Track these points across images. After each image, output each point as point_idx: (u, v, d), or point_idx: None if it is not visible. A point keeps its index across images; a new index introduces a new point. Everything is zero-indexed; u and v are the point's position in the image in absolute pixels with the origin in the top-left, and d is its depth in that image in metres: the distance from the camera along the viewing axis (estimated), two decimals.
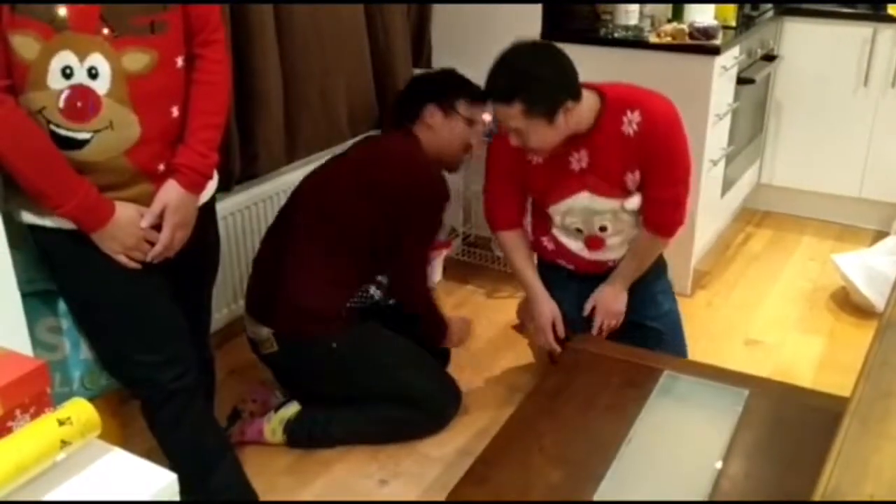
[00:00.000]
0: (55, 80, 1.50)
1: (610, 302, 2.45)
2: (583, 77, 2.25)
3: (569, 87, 2.17)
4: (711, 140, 3.13)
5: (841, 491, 0.93)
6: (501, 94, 2.16)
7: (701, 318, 3.13)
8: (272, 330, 2.33)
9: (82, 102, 1.51)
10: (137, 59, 1.54)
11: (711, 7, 3.15)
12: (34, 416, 1.09)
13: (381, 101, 3.24)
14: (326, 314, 2.31)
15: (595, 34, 3.15)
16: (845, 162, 3.78)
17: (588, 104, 2.23)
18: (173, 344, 1.78)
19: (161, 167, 1.65)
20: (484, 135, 2.59)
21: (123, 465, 1.07)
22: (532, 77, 2.14)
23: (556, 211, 2.41)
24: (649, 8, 3.15)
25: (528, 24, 3.19)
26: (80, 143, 1.54)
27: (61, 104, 1.51)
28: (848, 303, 3.20)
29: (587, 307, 2.48)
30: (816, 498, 0.91)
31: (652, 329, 2.48)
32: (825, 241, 3.76)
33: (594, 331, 2.45)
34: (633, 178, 2.30)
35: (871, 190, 3.78)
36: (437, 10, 3.42)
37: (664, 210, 2.36)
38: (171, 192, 1.66)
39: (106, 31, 1.50)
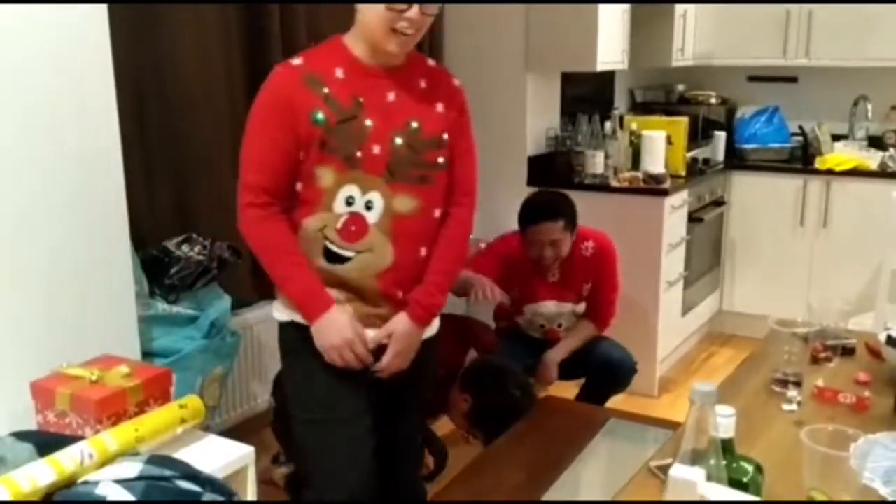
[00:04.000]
0: (339, 206, 1.80)
1: (552, 364, 3.12)
2: None
3: (576, 215, 3.07)
4: (667, 265, 3.82)
5: None
6: (549, 213, 2.99)
7: (665, 415, 3.69)
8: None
9: (355, 227, 1.81)
10: (405, 203, 1.84)
11: (662, 159, 3.93)
12: (160, 405, 1.75)
13: None
14: None
15: (570, 180, 3.92)
16: (791, 290, 4.43)
17: None
18: (351, 470, 1.88)
19: (400, 294, 1.87)
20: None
21: (215, 442, 1.78)
22: (567, 204, 3.05)
23: (530, 310, 3.15)
24: (612, 160, 3.93)
25: (517, 177, 3.98)
26: (344, 259, 1.83)
27: (339, 225, 1.81)
28: None
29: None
30: None
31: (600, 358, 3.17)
32: None
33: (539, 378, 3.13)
34: (586, 288, 3.15)
35: (809, 316, 4.39)
36: None
37: (608, 309, 3.22)
38: (399, 322, 1.87)
39: (387, 174, 1.81)
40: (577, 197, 3.49)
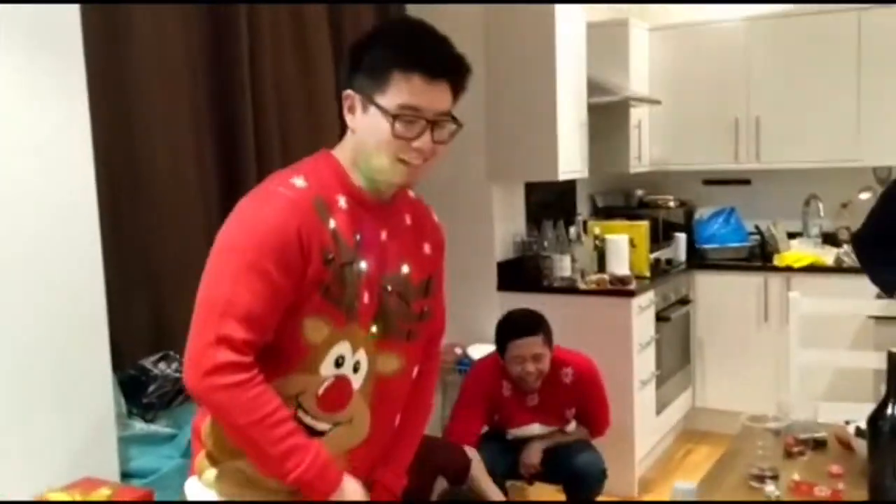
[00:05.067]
0: (327, 367, 1.49)
1: (536, 450, 3.19)
2: None
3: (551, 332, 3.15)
4: (639, 364, 3.88)
5: None
6: (530, 328, 3.06)
7: None
8: None
9: (339, 394, 1.51)
10: (390, 363, 1.57)
11: (627, 261, 4.05)
12: None
13: None
14: None
15: (539, 284, 4.01)
16: (760, 386, 4.49)
17: None
18: None
19: (366, 474, 1.60)
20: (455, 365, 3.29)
21: None
22: (543, 320, 3.13)
23: (514, 433, 3.22)
24: (579, 263, 4.04)
25: (487, 281, 4.06)
26: (317, 434, 1.50)
27: (321, 391, 1.49)
28: None
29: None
30: None
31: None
32: None
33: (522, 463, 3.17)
34: (570, 413, 3.23)
35: (779, 411, 4.45)
36: None
37: (603, 422, 3.31)
38: None
39: (375, 329, 1.53)
40: (546, 300, 3.57)
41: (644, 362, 3.98)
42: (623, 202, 5.17)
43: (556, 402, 3.17)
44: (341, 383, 1.51)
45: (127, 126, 2.67)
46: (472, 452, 2.98)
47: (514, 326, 3.11)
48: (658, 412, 4.21)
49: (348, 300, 1.48)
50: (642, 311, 3.94)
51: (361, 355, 1.52)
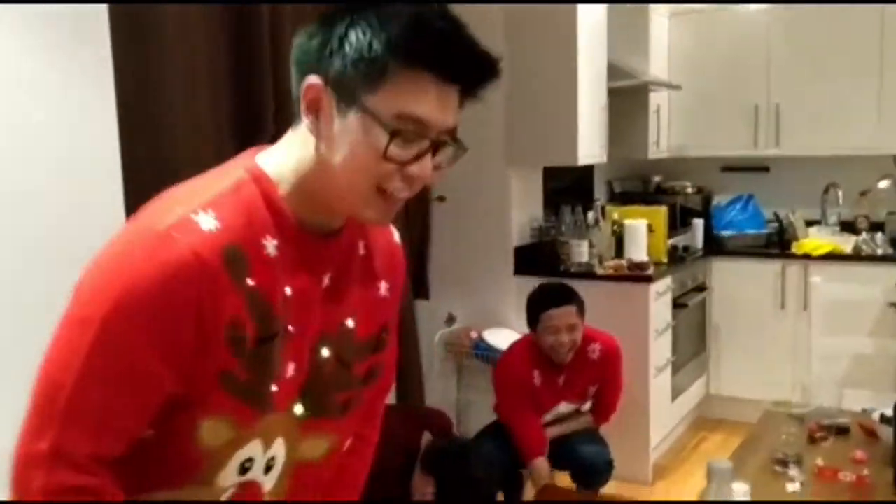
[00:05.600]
0: (229, 477, 1.06)
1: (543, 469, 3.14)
2: None
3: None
4: (654, 351, 3.87)
5: None
6: (564, 298, 3.07)
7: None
8: None
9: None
10: (317, 447, 1.15)
11: (645, 247, 4.03)
12: None
13: None
14: None
15: (556, 269, 4.00)
16: (776, 374, 4.48)
17: None
18: None
19: None
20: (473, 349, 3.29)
21: None
22: (575, 291, 3.13)
23: (546, 417, 3.20)
24: (596, 249, 4.03)
25: (504, 267, 4.05)
26: None
27: None
28: None
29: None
30: None
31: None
32: None
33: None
34: (592, 390, 3.23)
35: (799, 397, 4.45)
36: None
37: (611, 407, 3.31)
38: None
39: (299, 410, 1.09)
40: None
41: (660, 349, 3.97)
42: (641, 188, 5.15)
43: (582, 379, 3.17)
44: (247, 491, 1.08)
45: (152, 126, 2.70)
46: (541, 462, 3.07)
47: (549, 296, 3.12)
48: (673, 399, 4.21)
49: (260, 390, 1.02)
50: (659, 297, 3.93)
51: (278, 448, 1.09)
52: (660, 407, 3.99)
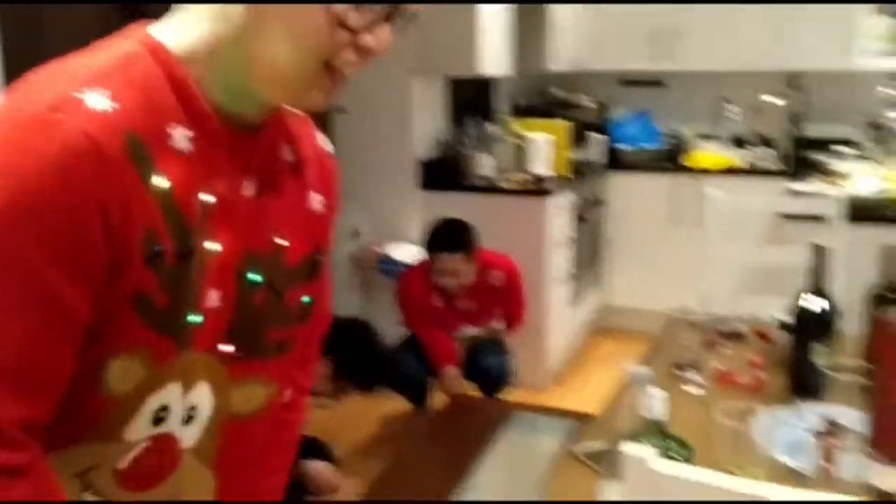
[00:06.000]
0: (139, 429, 0.88)
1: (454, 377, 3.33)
2: (454, 215, 3.19)
3: (477, 242, 3.23)
4: (554, 263, 3.94)
5: None
6: (450, 246, 3.13)
7: (559, 406, 3.80)
8: None
9: (157, 462, 0.91)
10: (251, 396, 0.97)
11: (547, 161, 4.05)
12: None
13: None
14: None
15: (460, 183, 3.97)
16: (672, 284, 4.62)
17: None
18: None
19: None
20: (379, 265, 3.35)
21: None
22: (467, 235, 3.20)
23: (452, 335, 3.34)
24: (500, 162, 4.02)
25: (406, 179, 3.99)
26: None
27: (125, 464, 0.89)
28: None
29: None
30: None
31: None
32: None
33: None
34: (499, 311, 3.37)
35: (695, 306, 4.63)
36: None
37: (519, 319, 3.48)
38: None
39: (227, 348, 0.92)
40: (468, 199, 3.56)
41: (559, 261, 4.03)
42: (542, 102, 5.14)
43: (485, 304, 3.30)
44: (160, 445, 0.90)
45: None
46: (451, 370, 3.21)
47: (440, 239, 3.20)
48: (570, 309, 4.31)
49: (180, 318, 0.84)
50: (560, 210, 3.98)
51: (201, 395, 0.91)
52: (558, 317, 4.08)
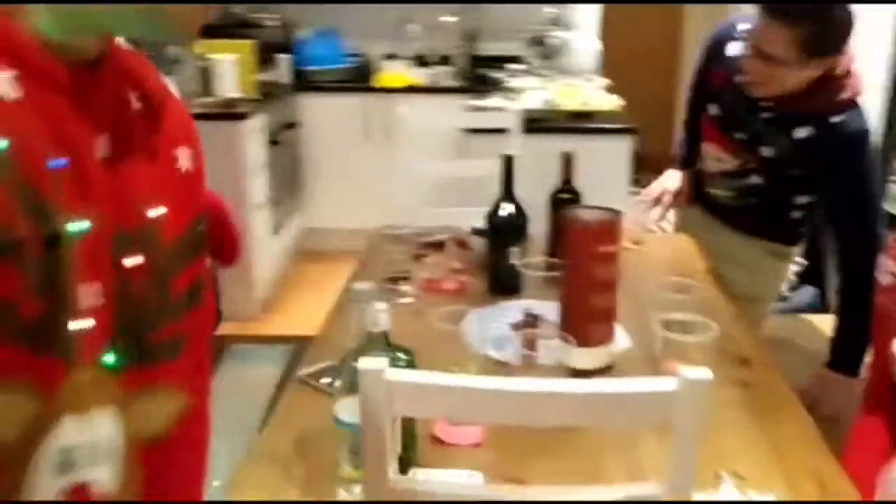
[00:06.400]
0: (42, 487, 0.69)
1: None
2: None
3: None
4: (252, 188, 3.85)
5: None
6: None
7: (275, 333, 3.79)
8: None
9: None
10: (155, 410, 0.81)
11: (235, 83, 3.90)
12: None
13: None
14: None
15: None
16: (369, 202, 4.74)
17: None
18: None
19: None
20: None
21: None
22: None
23: None
24: (182, 85, 3.79)
25: None
26: None
27: None
28: None
29: None
30: None
31: None
32: None
33: None
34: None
35: (395, 221, 4.80)
36: None
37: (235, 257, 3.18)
38: None
39: (110, 357, 0.74)
40: None
41: (257, 186, 3.95)
42: (224, 21, 4.89)
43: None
44: (80, 499, 0.72)
45: None
46: None
47: None
48: (274, 236, 4.27)
49: (62, 321, 0.67)
50: (254, 134, 3.87)
51: (100, 423, 0.72)
52: (262, 244, 4.02)
